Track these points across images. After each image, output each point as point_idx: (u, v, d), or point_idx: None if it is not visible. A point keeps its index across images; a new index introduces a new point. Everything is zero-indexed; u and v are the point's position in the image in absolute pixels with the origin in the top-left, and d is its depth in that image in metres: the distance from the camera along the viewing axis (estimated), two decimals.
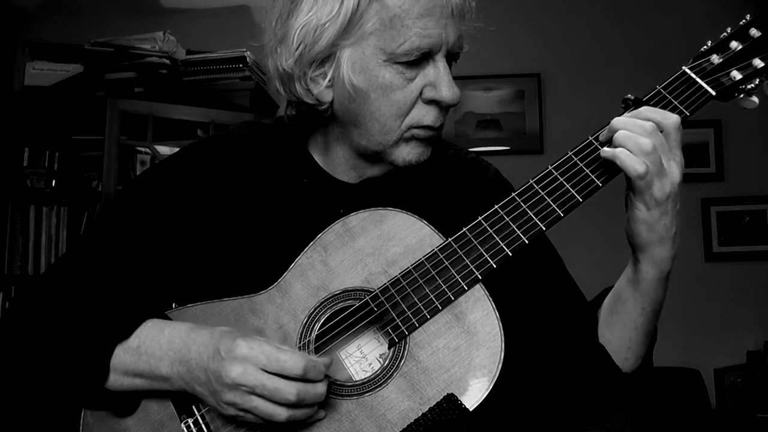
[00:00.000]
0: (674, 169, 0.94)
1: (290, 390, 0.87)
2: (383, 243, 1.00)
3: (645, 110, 0.96)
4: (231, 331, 0.93)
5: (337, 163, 1.11)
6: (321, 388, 0.90)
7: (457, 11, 0.99)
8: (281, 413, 0.88)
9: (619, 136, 0.94)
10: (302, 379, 0.88)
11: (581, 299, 1.13)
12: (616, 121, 0.96)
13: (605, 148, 0.95)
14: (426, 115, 1.01)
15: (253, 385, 0.87)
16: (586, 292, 1.14)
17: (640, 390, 1.06)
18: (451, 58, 1.03)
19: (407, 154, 1.04)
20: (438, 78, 0.99)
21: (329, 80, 1.01)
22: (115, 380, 0.97)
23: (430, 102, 1.01)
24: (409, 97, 1.00)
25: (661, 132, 0.94)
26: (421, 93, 1.00)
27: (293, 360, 0.88)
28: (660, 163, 0.92)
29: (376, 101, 1.00)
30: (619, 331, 1.03)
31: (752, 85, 1.00)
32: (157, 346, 0.95)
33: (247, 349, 0.88)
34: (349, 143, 1.07)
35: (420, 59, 0.99)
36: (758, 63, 1.00)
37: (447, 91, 0.99)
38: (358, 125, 1.03)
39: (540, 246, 1.12)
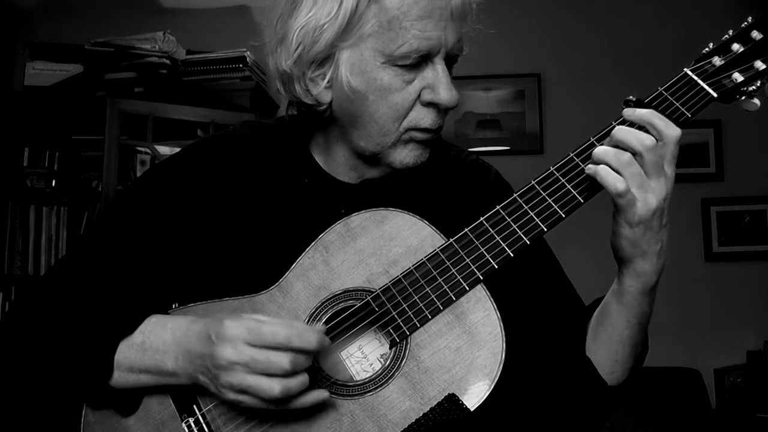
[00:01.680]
0: (663, 184, 0.93)
1: (282, 359, 0.87)
2: (385, 243, 1.00)
3: (649, 114, 0.94)
4: (223, 316, 0.93)
5: (338, 163, 1.11)
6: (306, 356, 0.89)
7: (457, 14, 0.98)
8: (275, 386, 0.87)
9: (598, 151, 0.94)
10: (290, 348, 0.88)
11: (576, 308, 1.13)
12: (618, 129, 0.95)
13: (589, 165, 0.95)
14: (424, 117, 1.01)
15: (245, 361, 0.87)
16: (587, 293, 1.14)
17: (640, 390, 1.06)
18: (451, 60, 1.03)
19: (405, 156, 1.04)
20: (436, 80, 0.99)
21: (328, 81, 1.01)
22: (120, 377, 0.97)
23: (429, 104, 1.01)
24: (407, 99, 1.00)
25: (660, 141, 0.92)
26: (419, 95, 1.00)
27: (271, 329, 0.88)
28: (642, 177, 0.92)
29: (374, 103, 1.00)
30: (605, 344, 1.03)
31: (754, 87, 1.00)
32: (161, 341, 0.96)
33: (234, 328, 0.89)
34: (348, 144, 1.07)
35: (419, 61, 0.98)
36: (760, 65, 1.00)
37: (445, 93, 0.99)
38: (356, 126, 1.03)
39: (538, 251, 1.12)
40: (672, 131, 0.93)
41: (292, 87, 1.04)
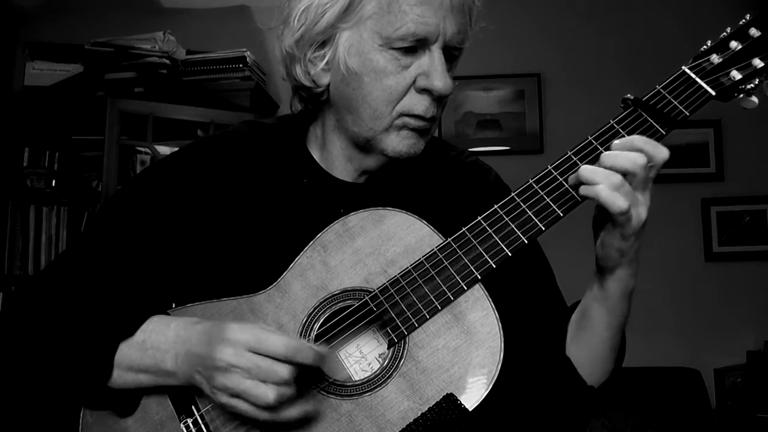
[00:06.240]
0: (648, 195, 0.94)
1: (284, 368, 0.87)
2: (383, 243, 1.00)
3: (638, 140, 0.93)
4: (227, 320, 0.94)
5: (335, 156, 1.11)
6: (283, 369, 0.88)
7: (457, 7, 1.00)
8: (270, 393, 0.87)
9: (586, 171, 0.92)
10: (292, 362, 0.88)
11: (559, 310, 1.13)
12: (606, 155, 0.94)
13: (583, 186, 0.93)
14: (417, 104, 1.02)
15: (246, 366, 0.87)
16: (579, 292, 1.13)
17: (640, 390, 1.06)
18: (451, 54, 1.03)
19: (398, 144, 1.04)
20: (432, 67, 1.00)
21: (326, 63, 1.04)
22: (119, 376, 0.97)
23: (423, 91, 1.02)
24: (401, 83, 1.01)
25: (650, 162, 0.92)
26: (414, 81, 1.01)
27: (280, 340, 0.88)
28: (633, 194, 0.92)
29: (368, 85, 1.01)
30: (585, 345, 1.05)
31: (752, 85, 1.00)
32: (163, 340, 0.95)
33: (239, 331, 0.89)
34: (344, 132, 1.08)
35: (416, 47, 1.00)
36: (758, 63, 1.00)
37: (439, 80, 1.00)
38: (351, 110, 1.04)
39: (529, 250, 1.12)
40: (661, 153, 0.93)
41: (293, 69, 1.06)
